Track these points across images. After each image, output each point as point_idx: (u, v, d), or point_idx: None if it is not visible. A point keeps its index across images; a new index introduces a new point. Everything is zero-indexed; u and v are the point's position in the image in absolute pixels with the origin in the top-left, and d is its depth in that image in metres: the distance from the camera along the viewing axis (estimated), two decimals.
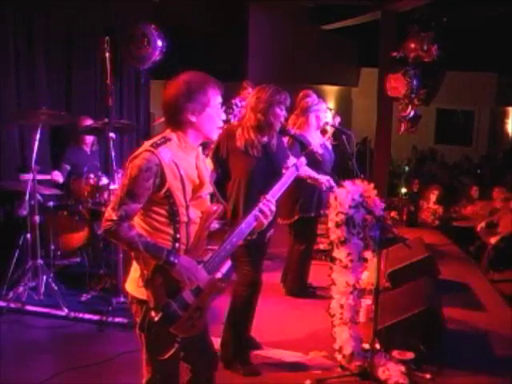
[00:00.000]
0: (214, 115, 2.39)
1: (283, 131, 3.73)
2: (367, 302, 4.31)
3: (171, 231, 2.33)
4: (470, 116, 15.55)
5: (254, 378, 3.58)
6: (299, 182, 4.15)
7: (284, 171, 3.03)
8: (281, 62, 10.36)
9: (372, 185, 3.65)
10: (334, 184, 4.23)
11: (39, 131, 4.58)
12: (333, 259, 3.66)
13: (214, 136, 2.46)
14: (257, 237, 2.57)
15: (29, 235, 4.65)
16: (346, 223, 3.55)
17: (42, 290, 4.62)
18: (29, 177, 4.64)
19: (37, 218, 4.65)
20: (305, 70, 11.38)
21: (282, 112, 3.51)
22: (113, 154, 4.72)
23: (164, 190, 2.27)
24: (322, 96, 5.66)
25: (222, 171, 3.46)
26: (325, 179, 4.32)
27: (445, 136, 15.45)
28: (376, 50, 8.72)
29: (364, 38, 11.52)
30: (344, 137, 4.91)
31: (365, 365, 3.56)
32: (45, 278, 4.62)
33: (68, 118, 5.19)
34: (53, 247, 4.98)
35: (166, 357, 2.33)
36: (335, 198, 3.58)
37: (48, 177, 5.31)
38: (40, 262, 4.63)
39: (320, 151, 4.70)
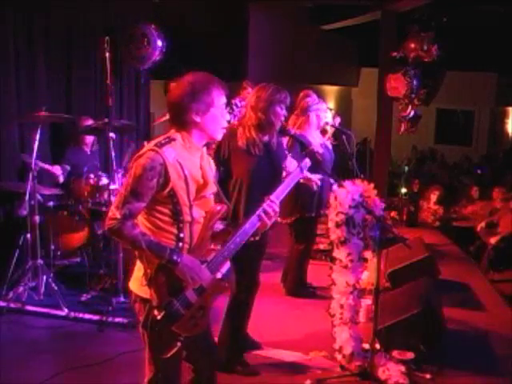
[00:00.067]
0: (218, 115, 2.40)
1: (283, 131, 3.72)
2: (367, 301, 4.32)
3: (175, 230, 2.33)
4: (470, 116, 15.54)
5: (254, 378, 3.58)
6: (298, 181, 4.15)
7: (284, 173, 3.04)
8: (281, 62, 10.35)
9: (372, 185, 3.65)
10: (333, 182, 4.22)
11: (39, 131, 4.58)
12: (333, 259, 3.66)
13: (219, 136, 2.48)
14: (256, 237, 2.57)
15: (29, 235, 4.65)
16: (346, 223, 3.54)
17: (42, 290, 4.62)
18: (29, 158, 4.61)
19: (37, 218, 4.65)
20: (305, 69, 11.37)
21: (282, 111, 3.51)
22: (113, 154, 4.72)
23: (168, 190, 2.28)
24: (322, 96, 5.66)
25: (224, 171, 3.46)
26: (316, 178, 4.30)
27: (445, 136, 15.45)
28: (376, 50, 8.72)
29: (364, 37, 11.52)
30: (344, 137, 4.91)
31: (365, 365, 3.56)
32: (45, 277, 4.62)
33: (68, 118, 5.20)
34: (53, 247, 4.98)
35: (168, 355, 2.33)
36: (335, 198, 3.58)
37: (49, 167, 5.30)
38: (40, 262, 4.63)
39: (320, 151, 4.70)
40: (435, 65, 7.48)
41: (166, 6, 7.35)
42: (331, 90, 14.62)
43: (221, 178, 3.34)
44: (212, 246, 2.48)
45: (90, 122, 5.43)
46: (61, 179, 5.48)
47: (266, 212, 2.46)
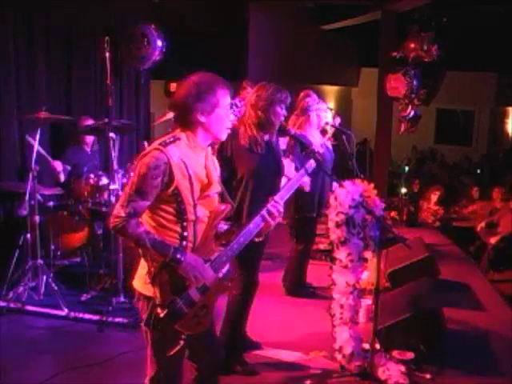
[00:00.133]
0: (223, 116, 2.42)
1: (283, 131, 3.72)
2: (367, 301, 4.32)
3: (179, 229, 2.35)
4: (470, 116, 15.54)
5: (253, 377, 3.58)
6: None
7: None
8: (281, 62, 10.35)
9: (372, 185, 3.65)
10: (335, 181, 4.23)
11: (39, 131, 4.58)
12: (333, 259, 3.66)
13: (223, 136, 2.49)
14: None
15: (29, 235, 4.65)
16: (346, 223, 3.54)
17: (42, 290, 4.63)
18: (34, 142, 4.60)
19: (37, 218, 4.65)
20: (305, 70, 11.37)
21: (282, 111, 3.51)
22: (113, 154, 4.72)
23: (172, 189, 2.29)
24: (321, 96, 5.66)
25: (228, 170, 3.45)
26: (307, 181, 4.32)
27: (445, 136, 15.45)
28: (376, 50, 8.72)
29: (364, 38, 11.52)
30: (344, 137, 4.91)
31: (365, 365, 3.56)
32: (45, 277, 4.62)
33: (68, 119, 5.20)
34: (53, 247, 4.98)
35: (171, 353, 2.35)
36: (335, 198, 3.58)
37: (49, 158, 5.30)
38: (40, 262, 4.63)
39: (321, 151, 4.70)
40: (435, 65, 7.48)
41: (165, 5, 7.36)
42: (331, 90, 14.62)
43: (224, 177, 3.34)
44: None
45: (90, 121, 5.43)
46: (62, 178, 5.47)
47: (270, 212, 2.48)
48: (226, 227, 2.55)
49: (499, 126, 16.00)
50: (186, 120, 2.38)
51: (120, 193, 4.72)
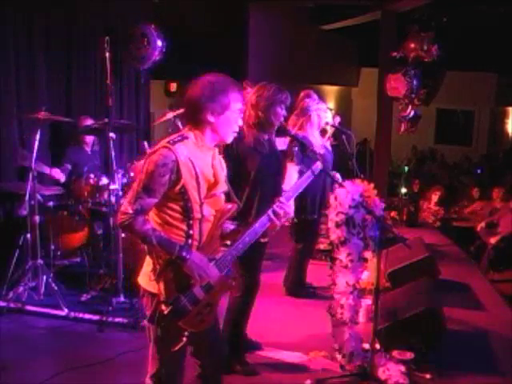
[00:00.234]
0: (231, 119, 2.44)
1: (283, 131, 3.72)
2: (367, 302, 4.31)
3: (185, 227, 2.36)
4: (470, 116, 15.54)
5: (253, 377, 3.58)
6: None
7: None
8: (281, 62, 10.35)
9: (372, 185, 3.65)
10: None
11: (39, 131, 4.58)
12: (333, 259, 3.66)
13: (229, 139, 2.50)
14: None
15: (29, 235, 4.64)
16: (346, 223, 3.54)
17: (42, 290, 4.62)
18: (28, 158, 4.60)
19: (37, 218, 4.65)
20: (305, 70, 11.37)
21: (282, 111, 3.52)
22: (113, 153, 4.72)
23: (179, 187, 2.31)
24: (321, 96, 5.66)
25: (233, 169, 3.44)
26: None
27: (445, 136, 15.45)
28: (376, 50, 8.72)
29: (364, 38, 11.52)
30: (344, 137, 4.91)
31: (365, 365, 3.56)
32: (45, 277, 4.62)
33: (67, 120, 5.20)
34: (53, 247, 4.98)
35: (173, 350, 2.37)
36: (335, 198, 3.58)
37: (47, 171, 5.30)
38: (40, 262, 4.63)
39: (321, 151, 4.71)
40: (435, 65, 7.48)
41: (165, 5, 7.35)
42: (331, 90, 14.63)
43: (230, 177, 3.34)
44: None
45: (89, 121, 5.43)
46: (62, 178, 5.48)
47: (275, 213, 2.49)
48: (232, 227, 2.56)
49: (499, 126, 16.00)
50: (195, 118, 2.40)
51: (120, 193, 4.72)
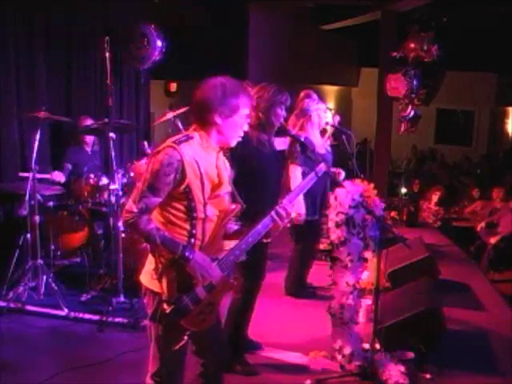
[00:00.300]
0: (238, 123, 2.45)
1: (283, 131, 3.73)
2: (367, 302, 4.31)
3: (188, 226, 2.37)
4: (470, 116, 15.55)
5: (254, 378, 3.58)
6: None
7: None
8: (281, 62, 10.35)
9: (372, 185, 3.65)
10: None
11: (39, 131, 4.58)
12: (333, 259, 3.66)
13: (233, 143, 2.51)
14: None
15: (29, 235, 4.64)
16: (346, 223, 3.54)
17: (42, 290, 4.62)
18: (28, 175, 4.63)
19: (37, 218, 4.65)
20: (305, 70, 11.37)
21: (282, 112, 3.54)
22: (113, 153, 4.72)
23: (183, 186, 2.32)
24: (321, 96, 5.66)
25: (238, 170, 3.44)
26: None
27: (445, 136, 15.45)
28: (376, 50, 8.72)
29: (364, 38, 11.52)
30: (344, 137, 4.91)
31: (365, 365, 3.56)
32: (45, 277, 4.62)
33: (67, 120, 5.19)
34: (53, 247, 4.98)
35: (174, 349, 2.39)
36: (335, 198, 3.58)
37: (48, 176, 5.31)
38: (40, 262, 4.62)
39: (322, 152, 4.72)
40: (435, 65, 7.48)
41: (165, 5, 7.35)
42: (331, 90, 14.63)
43: (235, 177, 3.34)
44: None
45: (89, 121, 5.43)
46: (62, 179, 5.48)
47: (278, 214, 2.49)
48: (235, 227, 2.56)
49: (499, 126, 16.00)
50: (203, 119, 2.40)
51: (120, 193, 4.72)
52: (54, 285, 4.56)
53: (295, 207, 4.44)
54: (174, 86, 9.90)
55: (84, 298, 4.72)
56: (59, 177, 5.42)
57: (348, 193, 3.53)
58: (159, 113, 6.47)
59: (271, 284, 4.82)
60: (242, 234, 2.49)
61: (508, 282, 6.71)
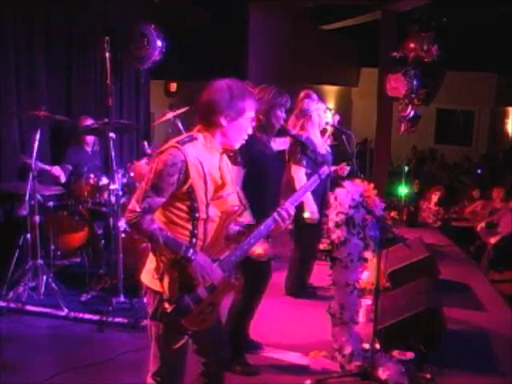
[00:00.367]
0: (243, 126, 2.45)
1: (284, 131, 3.73)
2: (367, 302, 4.31)
3: (190, 226, 2.38)
4: (470, 116, 15.55)
5: (254, 378, 3.58)
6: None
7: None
8: (281, 62, 10.35)
9: (372, 185, 3.65)
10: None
11: (39, 131, 4.58)
12: (333, 259, 3.66)
13: (237, 146, 2.52)
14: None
15: (29, 235, 4.64)
16: (346, 223, 3.54)
17: (42, 290, 4.62)
18: (28, 158, 4.59)
19: (37, 218, 4.65)
20: (305, 70, 11.37)
21: (282, 114, 3.56)
22: (113, 153, 4.72)
23: (187, 187, 2.32)
24: (321, 96, 5.66)
25: (248, 172, 3.44)
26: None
27: (445, 136, 15.46)
28: (376, 50, 8.72)
29: (364, 38, 11.53)
30: (344, 137, 4.91)
31: (365, 365, 3.56)
32: (45, 277, 4.62)
33: (67, 120, 5.19)
34: (53, 247, 4.98)
35: (175, 348, 2.40)
36: (335, 198, 3.58)
37: (48, 168, 5.31)
38: (40, 262, 4.62)
39: (323, 152, 4.72)
40: (435, 65, 7.49)
41: (165, 5, 7.35)
42: (331, 90, 14.63)
43: (246, 179, 3.33)
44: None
45: (89, 121, 5.43)
46: (62, 179, 5.48)
47: (281, 215, 2.50)
48: (237, 228, 2.56)
49: (499, 126, 16.01)
50: (208, 120, 2.40)
51: (120, 193, 4.72)
52: (54, 285, 4.56)
53: (308, 207, 4.47)
54: (173, 86, 9.90)
55: (84, 297, 4.72)
56: (59, 172, 5.41)
57: (348, 193, 3.53)
58: (159, 113, 6.47)
59: (271, 284, 4.81)
60: (244, 235, 2.50)
61: (508, 282, 6.70)
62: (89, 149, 5.75)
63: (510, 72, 12.86)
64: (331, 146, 5.12)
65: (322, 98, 5.06)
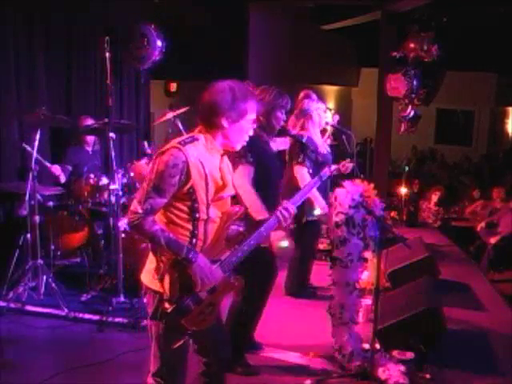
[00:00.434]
0: (244, 129, 2.45)
1: (284, 132, 3.74)
2: (367, 301, 4.31)
3: (190, 227, 2.38)
4: (470, 116, 15.55)
5: (254, 378, 3.58)
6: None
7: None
8: (281, 62, 10.35)
9: (372, 185, 3.65)
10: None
11: (39, 131, 4.58)
12: (333, 259, 3.66)
13: (238, 148, 2.51)
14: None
15: (29, 235, 4.64)
16: (346, 223, 3.54)
17: (42, 290, 4.62)
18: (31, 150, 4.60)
19: (37, 218, 4.65)
20: (305, 70, 11.37)
21: (282, 116, 3.58)
22: (113, 153, 4.72)
23: (188, 187, 2.32)
24: (321, 96, 5.66)
25: (257, 172, 3.43)
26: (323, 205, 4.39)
27: (445, 136, 15.46)
28: (376, 50, 8.71)
29: (364, 38, 11.51)
30: (344, 137, 4.91)
31: (365, 365, 3.56)
32: (45, 277, 4.62)
33: (67, 120, 5.19)
34: (53, 247, 4.98)
35: (175, 347, 2.40)
36: (335, 198, 3.58)
37: (48, 165, 5.30)
38: (40, 262, 4.63)
39: (324, 151, 4.72)
40: (435, 65, 7.48)
41: (165, 5, 7.35)
42: (331, 90, 14.63)
43: (255, 179, 3.33)
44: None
45: (89, 121, 5.43)
46: (62, 179, 5.48)
47: (282, 215, 2.51)
48: (239, 228, 2.56)
49: (499, 126, 16.01)
50: (210, 121, 2.40)
51: (120, 193, 4.72)
52: (54, 285, 4.56)
53: (318, 204, 4.47)
54: (173, 86, 9.90)
55: (84, 297, 4.72)
56: (58, 171, 5.42)
57: (348, 193, 3.53)
58: (159, 113, 6.47)
59: None
60: (245, 235, 2.50)
61: (508, 282, 6.70)
62: (89, 149, 5.75)
63: (510, 72, 12.85)
64: (331, 146, 5.13)
65: (321, 98, 5.06)
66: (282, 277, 5.07)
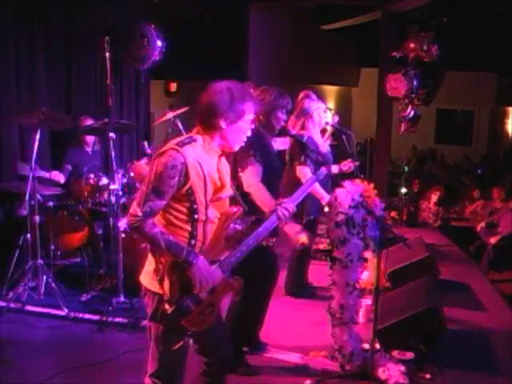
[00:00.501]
0: (242, 129, 2.45)
1: (284, 132, 3.74)
2: (367, 301, 4.31)
3: (189, 228, 2.38)
4: (470, 116, 15.55)
5: (254, 378, 3.58)
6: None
7: None
8: (281, 62, 10.36)
9: (372, 185, 3.65)
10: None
11: (39, 132, 4.58)
12: (333, 259, 3.66)
13: (236, 148, 2.51)
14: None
15: (29, 235, 4.64)
16: (346, 223, 3.54)
17: (42, 290, 4.62)
18: (27, 170, 4.60)
19: (37, 218, 4.65)
20: (305, 70, 11.38)
21: (283, 116, 3.58)
22: (113, 153, 4.72)
23: (186, 188, 2.32)
24: (321, 96, 5.66)
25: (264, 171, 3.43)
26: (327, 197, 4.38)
27: (445, 136, 15.46)
28: (376, 50, 8.72)
29: (364, 38, 11.51)
30: (344, 137, 4.91)
31: (365, 365, 3.56)
32: (45, 277, 4.62)
33: (67, 120, 5.19)
34: (53, 247, 4.98)
35: (174, 349, 2.40)
36: (335, 198, 3.58)
37: (46, 174, 5.31)
38: (40, 262, 4.62)
39: (325, 151, 4.72)
40: (435, 65, 7.48)
41: (165, 5, 7.35)
42: (331, 90, 14.63)
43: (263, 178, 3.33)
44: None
45: (89, 121, 5.43)
46: (62, 180, 5.48)
47: (283, 214, 2.50)
48: (238, 227, 2.56)
49: (499, 126, 16.01)
50: (208, 122, 2.40)
51: (120, 193, 4.72)
52: (53, 285, 4.56)
53: (322, 198, 4.46)
54: (174, 86, 9.90)
55: (84, 298, 4.72)
56: (58, 177, 5.43)
57: (348, 193, 3.53)
58: (159, 113, 6.47)
59: None
60: (244, 235, 2.49)
61: (508, 282, 6.71)
62: (89, 149, 5.76)
63: (510, 72, 12.85)
64: (331, 146, 5.13)
65: (321, 98, 5.06)
66: (282, 277, 5.08)
